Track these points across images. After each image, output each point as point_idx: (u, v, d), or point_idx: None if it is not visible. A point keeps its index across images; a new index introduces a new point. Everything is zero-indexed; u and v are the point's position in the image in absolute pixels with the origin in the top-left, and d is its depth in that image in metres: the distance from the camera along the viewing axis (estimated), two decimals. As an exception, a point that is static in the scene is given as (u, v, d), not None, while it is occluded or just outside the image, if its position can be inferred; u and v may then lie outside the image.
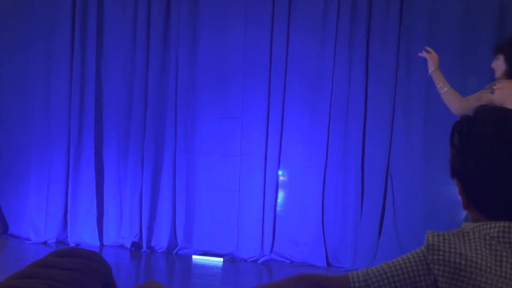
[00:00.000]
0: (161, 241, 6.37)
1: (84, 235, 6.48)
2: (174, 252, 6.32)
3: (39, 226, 6.54)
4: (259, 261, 6.09)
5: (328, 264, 6.01)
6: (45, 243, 6.50)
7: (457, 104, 4.64)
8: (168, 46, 6.32)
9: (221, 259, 6.08)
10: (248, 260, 6.13)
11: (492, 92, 4.70)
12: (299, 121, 6.06)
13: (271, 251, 6.17)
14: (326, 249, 6.01)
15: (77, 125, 6.47)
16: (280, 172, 6.16)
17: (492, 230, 1.55)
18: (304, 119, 6.04)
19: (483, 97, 4.71)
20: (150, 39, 6.33)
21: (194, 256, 6.18)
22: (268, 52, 6.07)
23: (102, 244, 6.49)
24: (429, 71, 4.71)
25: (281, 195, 6.18)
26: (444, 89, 4.66)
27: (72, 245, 6.41)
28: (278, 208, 6.16)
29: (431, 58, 4.71)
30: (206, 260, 6.11)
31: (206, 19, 6.21)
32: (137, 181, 6.40)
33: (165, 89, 6.34)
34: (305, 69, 6.01)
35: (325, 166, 5.98)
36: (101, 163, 6.52)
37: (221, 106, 6.22)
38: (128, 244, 6.39)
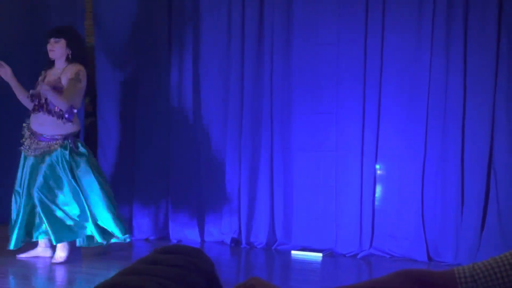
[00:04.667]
0: (260, 237, 6.42)
1: (185, 231, 6.61)
2: (273, 247, 6.37)
3: (142, 223, 6.71)
4: (359, 256, 6.06)
5: (429, 258, 5.91)
6: (147, 239, 6.66)
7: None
8: (262, 43, 6.35)
9: (320, 254, 6.08)
10: (347, 255, 6.11)
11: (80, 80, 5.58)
12: (396, 113, 5.97)
13: (371, 245, 6.12)
14: (426, 243, 5.91)
15: (176, 123, 6.60)
16: (377, 166, 6.10)
17: None
18: (401, 112, 5.95)
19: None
20: (245, 38, 6.38)
21: (293, 252, 6.21)
22: (363, 46, 6.01)
23: (203, 240, 6.60)
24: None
25: (379, 189, 6.12)
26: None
27: (174, 241, 6.54)
28: (376, 203, 6.11)
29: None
30: (305, 255, 6.13)
31: (299, 14, 6.21)
32: (235, 178, 6.48)
33: (261, 87, 6.38)
34: (401, 61, 5.92)
35: (424, 158, 5.88)
36: (200, 160, 6.62)
37: (315, 102, 6.21)
38: (228, 240, 6.47)
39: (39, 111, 5.61)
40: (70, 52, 5.66)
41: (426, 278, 1.60)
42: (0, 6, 6.71)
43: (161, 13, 6.60)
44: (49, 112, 5.59)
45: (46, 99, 5.56)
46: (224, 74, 6.49)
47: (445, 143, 5.83)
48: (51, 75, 5.68)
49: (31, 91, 5.60)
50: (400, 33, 5.91)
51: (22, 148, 5.69)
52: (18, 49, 6.99)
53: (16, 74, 5.67)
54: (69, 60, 5.67)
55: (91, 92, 6.96)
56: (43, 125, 5.63)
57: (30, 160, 5.64)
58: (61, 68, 5.67)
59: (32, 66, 6.56)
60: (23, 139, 5.69)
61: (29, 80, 5.91)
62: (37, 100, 5.59)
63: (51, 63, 5.73)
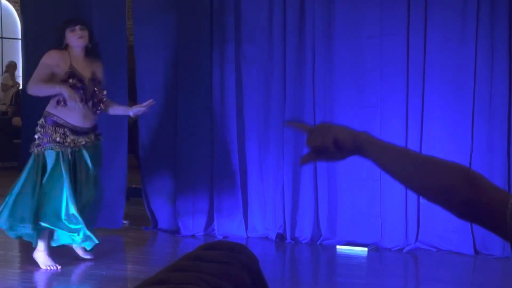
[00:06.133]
0: (304, 232, 6.41)
1: (231, 227, 6.62)
2: (318, 242, 6.35)
3: (187, 219, 6.74)
4: (404, 250, 6.01)
5: (476, 251, 5.85)
6: (193, 236, 6.69)
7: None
8: (303, 38, 6.33)
9: (365, 249, 6.04)
10: (392, 249, 6.07)
11: None
12: (441, 107, 5.91)
13: (416, 239, 6.07)
14: (473, 236, 5.85)
15: (219, 119, 6.61)
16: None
17: None
18: (446, 105, 5.89)
19: None
20: (286, 33, 6.36)
21: (338, 246, 6.18)
22: (406, 38, 5.96)
23: (248, 236, 6.61)
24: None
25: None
26: None
27: (220, 237, 6.56)
28: (422, 196, 6.04)
29: None
30: (350, 250, 6.10)
31: (340, 8, 6.18)
32: (279, 173, 6.47)
33: (303, 81, 6.36)
34: (445, 53, 5.85)
35: (471, 151, 5.81)
36: (244, 156, 6.63)
37: (358, 96, 6.17)
38: (273, 236, 6.47)
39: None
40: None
41: (482, 183, 1.50)
42: (43, 4, 6.81)
43: (202, 12, 6.61)
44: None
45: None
46: (266, 70, 6.48)
47: (491, 137, 5.76)
48: (87, 67, 5.47)
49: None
50: (444, 24, 5.84)
51: None
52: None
53: None
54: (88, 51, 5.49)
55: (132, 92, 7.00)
56: None
57: None
58: (86, 59, 5.48)
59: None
60: None
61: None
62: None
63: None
